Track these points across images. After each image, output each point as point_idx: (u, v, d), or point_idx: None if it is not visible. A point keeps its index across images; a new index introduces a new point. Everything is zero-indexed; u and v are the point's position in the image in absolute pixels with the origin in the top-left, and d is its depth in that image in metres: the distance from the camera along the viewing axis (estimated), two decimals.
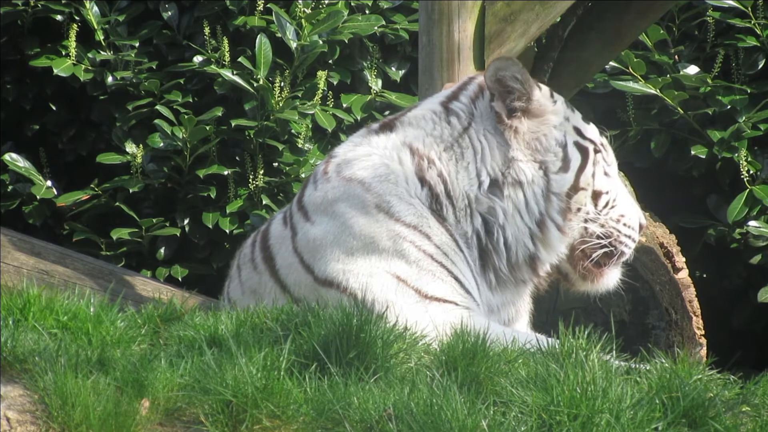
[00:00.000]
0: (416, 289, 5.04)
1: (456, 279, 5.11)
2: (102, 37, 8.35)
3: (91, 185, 8.34)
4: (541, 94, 5.23)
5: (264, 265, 5.31)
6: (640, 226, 5.32)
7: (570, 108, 5.31)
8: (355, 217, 5.13)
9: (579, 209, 5.21)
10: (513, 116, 5.19)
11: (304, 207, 5.24)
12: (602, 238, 5.22)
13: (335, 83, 8.35)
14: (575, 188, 5.21)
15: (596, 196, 5.24)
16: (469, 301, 5.08)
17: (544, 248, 5.20)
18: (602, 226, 5.21)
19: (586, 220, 5.21)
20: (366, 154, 5.23)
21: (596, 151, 5.26)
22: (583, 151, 5.23)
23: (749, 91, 8.25)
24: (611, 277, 5.31)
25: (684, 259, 6.82)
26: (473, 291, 5.13)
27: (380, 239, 5.10)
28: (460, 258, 5.15)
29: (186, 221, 8.25)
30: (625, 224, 5.25)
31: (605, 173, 5.27)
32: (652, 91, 8.19)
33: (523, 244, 5.19)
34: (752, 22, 8.30)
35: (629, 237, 5.27)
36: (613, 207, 5.25)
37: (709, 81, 8.22)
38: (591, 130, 5.31)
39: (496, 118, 5.19)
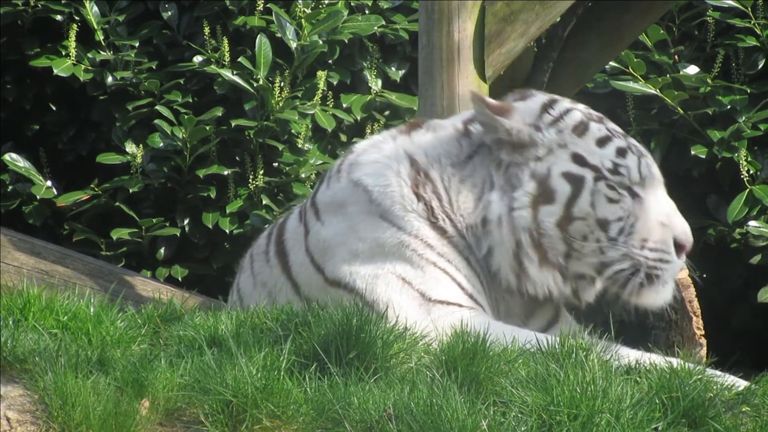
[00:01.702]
0: (420, 292, 5.05)
1: (459, 285, 5.10)
2: (102, 37, 8.34)
3: (91, 185, 8.34)
4: (518, 125, 5.11)
5: (276, 259, 5.34)
6: (679, 245, 5.09)
7: (575, 132, 5.15)
8: (362, 222, 5.14)
9: (585, 238, 5.06)
10: (499, 149, 5.12)
11: (316, 205, 5.27)
12: (628, 270, 5.05)
13: (335, 83, 8.34)
14: (568, 219, 5.06)
15: (603, 224, 5.07)
16: (473, 304, 5.08)
17: (528, 282, 5.09)
18: (625, 255, 5.04)
19: (601, 250, 5.05)
20: (373, 161, 5.23)
21: (597, 179, 5.09)
22: (576, 181, 5.07)
23: (749, 91, 8.24)
24: (656, 297, 5.14)
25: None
26: (477, 295, 5.12)
27: (385, 244, 5.11)
28: (464, 264, 5.13)
29: (186, 221, 8.25)
30: (650, 249, 5.05)
31: (610, 199, 5.07)
32: (652, 91, 8.18)
33: (506, 280, 5.10)
34: (752, 22, 8.29)
35: (659, 260, 5.06)
36: (630, 233, 5.07)
37: (709, 81, 8.21)
38: (600, 155, 5.13)
39: (489, 151, 5.17)
